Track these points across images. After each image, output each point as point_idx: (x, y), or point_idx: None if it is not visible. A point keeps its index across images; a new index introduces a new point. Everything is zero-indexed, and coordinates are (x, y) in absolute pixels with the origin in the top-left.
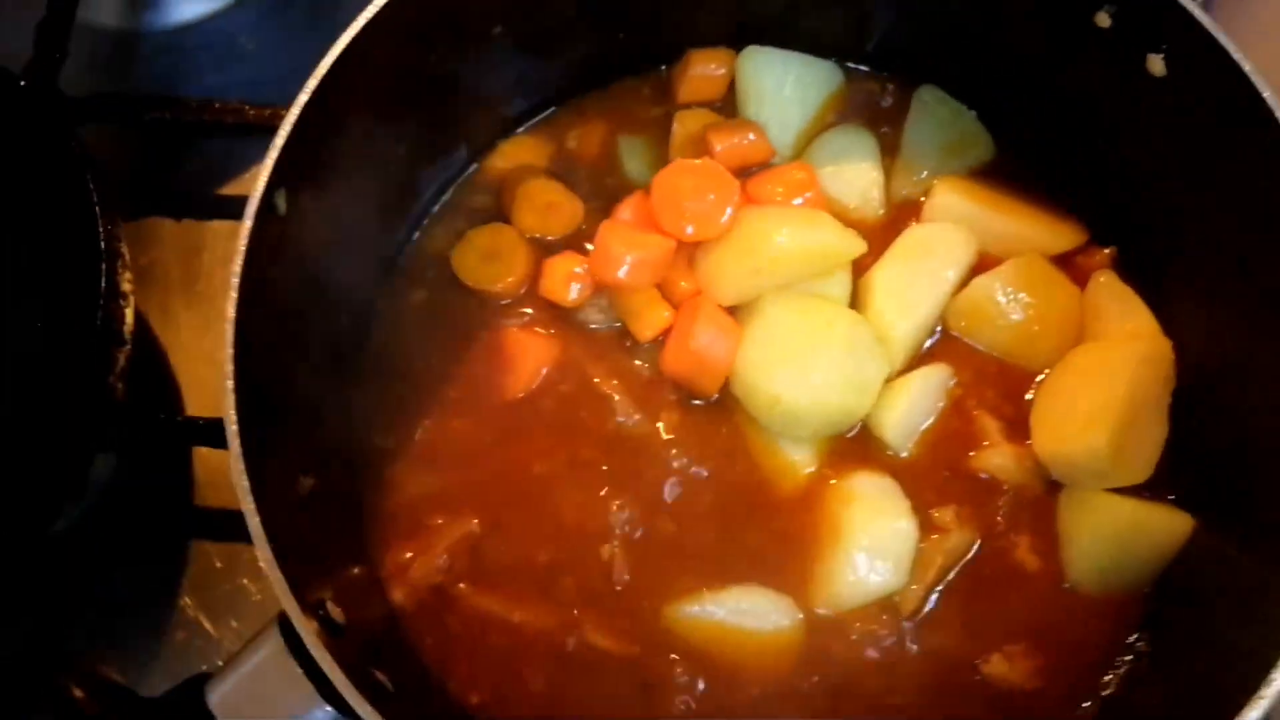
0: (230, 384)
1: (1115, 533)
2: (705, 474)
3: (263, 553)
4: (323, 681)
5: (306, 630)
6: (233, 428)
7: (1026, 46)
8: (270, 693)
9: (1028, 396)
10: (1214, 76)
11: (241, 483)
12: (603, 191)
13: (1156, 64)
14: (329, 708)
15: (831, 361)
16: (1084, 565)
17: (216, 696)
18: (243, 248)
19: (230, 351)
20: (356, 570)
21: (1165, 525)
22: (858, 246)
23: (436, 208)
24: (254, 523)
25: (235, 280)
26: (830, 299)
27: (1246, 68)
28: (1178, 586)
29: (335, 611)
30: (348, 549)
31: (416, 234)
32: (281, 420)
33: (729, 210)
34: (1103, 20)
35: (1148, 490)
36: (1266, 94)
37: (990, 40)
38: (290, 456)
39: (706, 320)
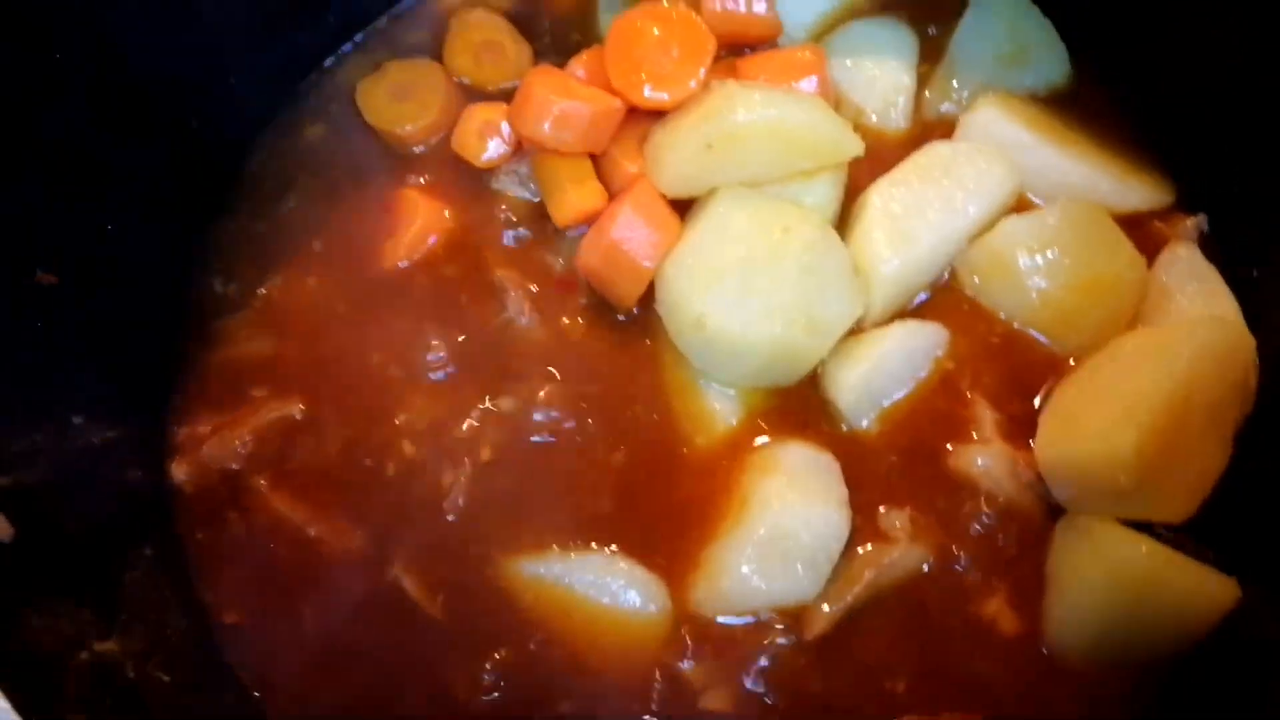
0: None
1: (1121, 581)
2: (596, 407)
3: None
4: None
5: None
6: None
7: None
8: None
9: (1044, 390)
10: None
11: None
12: (564, 48)
13: None
14: None
15: (781, 280)
16: (1073, 623)
17: None
18: None
19: None
20: (118, 431)
21: (1198, 589)
22: (850, 144)
23: (362, 35)
24: None
25: None
26: (802, 207)
27: None
28: (1198, 673)
29: None
30: (129, 395)
31: (330, 60)
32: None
33: (699, 73)
34: None
35: (1184, 536)
36: None
37: None
38: (27, 234)
39: (637, 206)
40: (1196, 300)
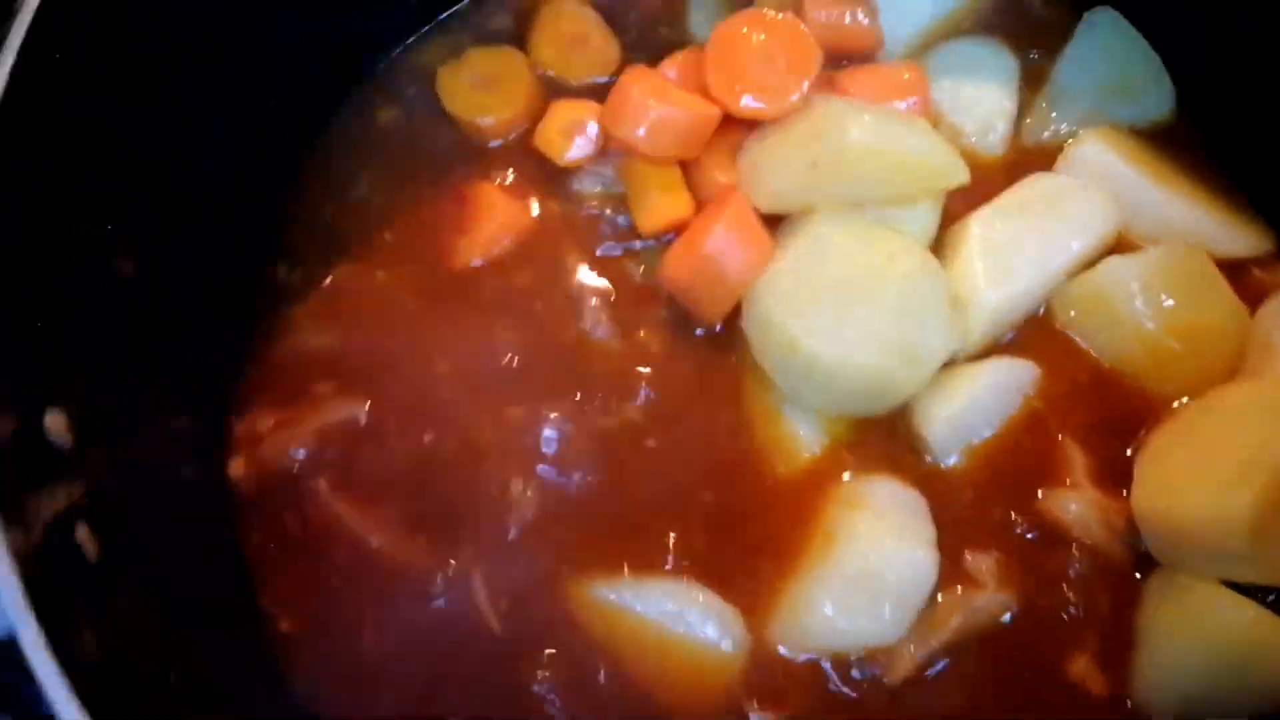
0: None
1: (1219, 645)
2: (675, 426)
3: None
4: None
5: None
6: None
7: None
8: None
9: (1137, 435)
10: None
11: None
12: (654, 43)
13: None
14: None
15: (881, 311)
16: (1162, 680)
17: None
18: None
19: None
20: (179, 421)
21: None
22: (957, 172)
23: (445, 14)
24: None
25: None
26: (903, 233)
27: None
28: None
29: (57, 427)
30: (188, 385)
31: (411, 39)
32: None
33: (803, 86)
34: None
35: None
36: None
37: None
38: (105, 221)
39: (732, 221)
40: None
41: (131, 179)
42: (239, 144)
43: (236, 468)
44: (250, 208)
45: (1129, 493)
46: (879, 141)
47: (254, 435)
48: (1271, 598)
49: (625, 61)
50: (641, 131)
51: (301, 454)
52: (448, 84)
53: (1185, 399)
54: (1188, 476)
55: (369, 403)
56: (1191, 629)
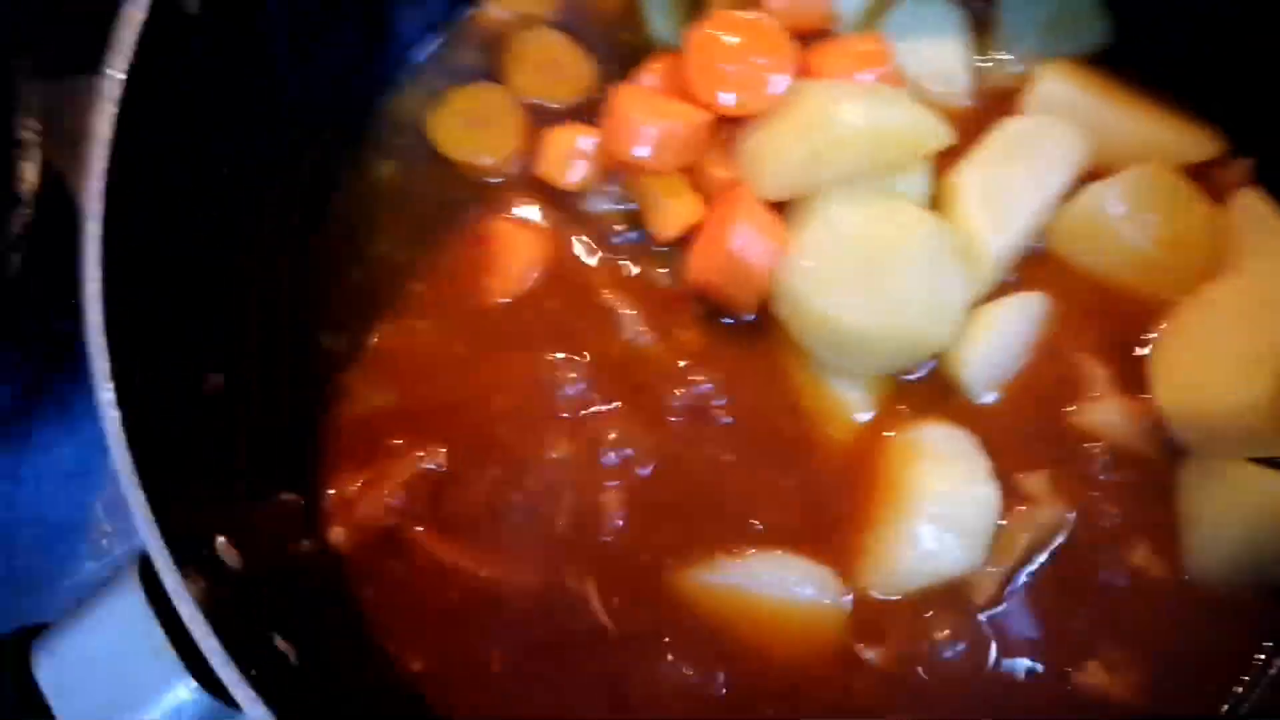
0: (95, 227)
1: (1258, 516)
2: (732, 413)
3: (120, 458)
4: (192, 651)
5: (173, 578)
6: (93, 284)
7: None
8: (118, 661)
9: (1143, 340)
10: None
11: (97, 341)
12: (620, 53)
13: None
14: (195, 686)
15: (906, 277)
16: (1212, 554)
17: (46, 662)
18: (131, 40)
19: (98, 185)
20: (285, 496)
21: None
22: (944, 134)
23: (417, 61)
24: (111, 418)
25: (119, 79)
26: (904, 199)
27: None
28: None
29: (228, 553)
30: (277, 468)
31: (390, 92)
32: (179, 295)
33: (784, 79)
34: None
35: None
36: None
37: None
38: (191, 344)
39: (747, 216)
40: (1269, 245)
41: (198, 300)
42: (259, 230)
43: (337, 535)
44: (287, 285)
45: (1149, 393)
46: (871, 121)
47: (346, 501)
48: None
49: (599, 75)
50: (643, 150)
51: (395, 507)
52: (439, 129)
53: (1180, 300)
54: (1205, 370)
55: (443, 448)
56: (1231, 506)
